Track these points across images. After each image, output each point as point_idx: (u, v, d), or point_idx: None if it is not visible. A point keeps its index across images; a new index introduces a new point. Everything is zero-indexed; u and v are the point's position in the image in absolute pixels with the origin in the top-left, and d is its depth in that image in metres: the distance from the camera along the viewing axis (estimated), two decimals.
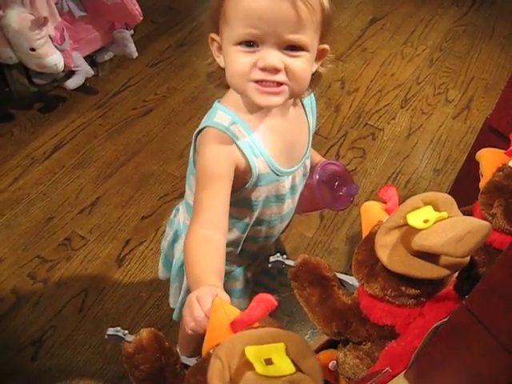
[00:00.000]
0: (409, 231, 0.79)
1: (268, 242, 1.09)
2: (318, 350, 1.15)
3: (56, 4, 1.82)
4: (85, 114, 2.12)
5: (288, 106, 0.92)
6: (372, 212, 0.89)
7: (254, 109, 0.88)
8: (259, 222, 1.00)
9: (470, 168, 1.18)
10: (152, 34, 2.53)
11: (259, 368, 0.57)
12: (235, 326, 0.63)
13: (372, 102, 2.31)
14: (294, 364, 0.59)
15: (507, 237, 1.00)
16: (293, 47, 0.79)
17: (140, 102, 2.16)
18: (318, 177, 1.02)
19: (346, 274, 1.00)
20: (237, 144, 0.85)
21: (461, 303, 0.71)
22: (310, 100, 1.00)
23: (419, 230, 0.78)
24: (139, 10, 1.97)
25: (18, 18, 1.68)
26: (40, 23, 1.70)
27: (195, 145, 0.90)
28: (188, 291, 1.14)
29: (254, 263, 1.14)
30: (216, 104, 0.89)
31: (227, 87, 0.91)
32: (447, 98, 2.37)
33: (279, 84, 0.80)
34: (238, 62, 0.80)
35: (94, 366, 1.43)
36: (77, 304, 1.55)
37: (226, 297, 0.69)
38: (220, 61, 0.85)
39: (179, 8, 2.75)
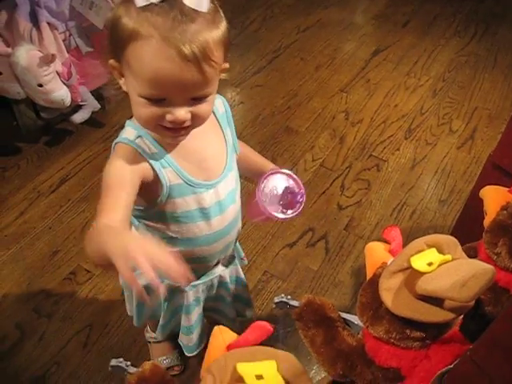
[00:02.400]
0: (413, 274, 0.79)
1: (208, 264, 1.09)
2: None
3: (64, 40, 1.85)
4: (91, 147, 2.14)
5: None
6: (376, 253, 0.89)
7: None
8: (189, 240, 1.00)
9: (475, 202, 1.18)
10: None
11: (250, 382, 0.57)
12: (231, 348, 0.64)
13: (376, 133, 2.32)
14: (286, 382, 0.59)
15: None
16: (199, 98, 0.82)
17: None
18: (261, 186, 1.02)
19: (350, 312, 1.00)
20: (143, 156, 0.88)
21: (466, 349, 0.70)
22: (225, 112, 1.02)
23: (423, 273, 0.78)
24: None
25: (26, 55, 1.70)
26: (48, 60, 1.72)
27: None
28: (138, 300, 1.16)
29: (204, 284, 1.14)
30: (126, 122, 0.92)
31: None
32: (451, 129, 2.37)
33: (185, 127, 0.84)
34: (144, 112, 0.82)
35: None
36: (81, 339, 1.54)
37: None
38: (122, 84, 0.85)
39: None
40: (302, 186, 1.05)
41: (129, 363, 0.82)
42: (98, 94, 2.12)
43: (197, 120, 0.84)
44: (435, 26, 3.08)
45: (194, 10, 0.74)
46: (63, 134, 2.19)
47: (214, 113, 0.98)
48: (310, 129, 2.31)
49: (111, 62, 0.83)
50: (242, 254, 1.28)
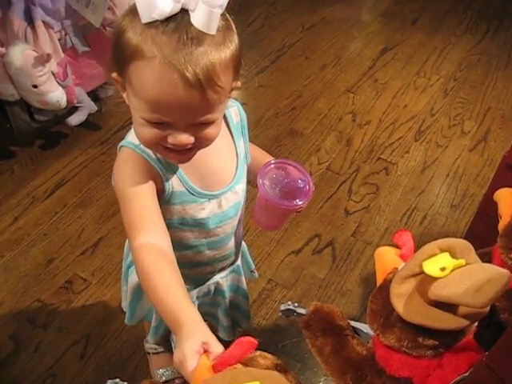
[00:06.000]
0: (425, 280, 0.80)
1: (202, 270, 1.10)
2: None
3: (59, 40, 1.87)
4: (87, 150, 2.15)
5: None
6: (386, 258, 0.90)
7: None
8: (182, 245, 1.00)
9: (489, 205, 1.18)
10: None
11: None
12: (216, 366, 0.65)
13: (385, 135, 2.33)
14: None
15: None
16: (204, 122, 0.81)
17: None
18: (262, 182, 0.99)
19: (359, 321, 1.01)
20: (149, 161, 0.88)
21: (481, 357, 0.71)
22: (239, 122, 1.01)
23: (436, 278, 0.79)
24: None
25: (20, 55, 1.72)
26: (43, 60, 1.74)
27: None
28: (134, 292, 1.17)
29: (197, 290, 1.15)
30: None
31: None
32: (463, 130, 2.39)
33: (189, 149, 0.83)
34: (145, 132, 0.81)
35: None
36: (78, 350, 1.55)
37: (213, 339, 0.69)
38: (125, 97, 0.85)
39: None
40: (306, 173, 1.02)
41: (125, 383, 0.83)
42: (94, 96, 2.14)
43: (202, 142, 0.84)
44: (445, 24, 3.10)
45: (201, 31, 0.73)
46: (58, 137, 2.20)
47: (227, 122, 0.98)
48: (315, 131, 2.32)
49: (114, 75, 0.84)
50: (253, 267, 1.29)
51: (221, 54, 0.76)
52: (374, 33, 2.99)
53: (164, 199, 0.92)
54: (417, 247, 0.92)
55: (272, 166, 1.01)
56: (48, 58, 1.75)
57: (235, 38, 0.80)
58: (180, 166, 0.92)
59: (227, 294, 1.21)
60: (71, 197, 1.98)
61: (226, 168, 0.99)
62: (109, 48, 2.09)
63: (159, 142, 0.82)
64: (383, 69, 2.72)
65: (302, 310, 0.94)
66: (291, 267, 1.79)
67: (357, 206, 2.01)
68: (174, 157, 0.86)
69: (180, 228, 0.98)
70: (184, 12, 0.73)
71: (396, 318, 0.83)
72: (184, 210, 0.95)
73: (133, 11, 0.76)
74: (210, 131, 0.82)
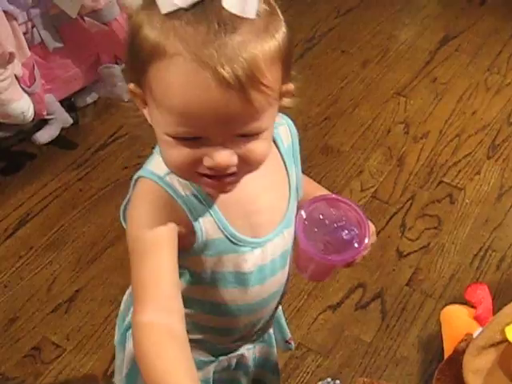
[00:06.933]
0: (509, 350, 0.79)
1: (231, 338, 1.10)
2: None
3: (25, 34, 1.89)
4: (60, 175, 2.17)
5: None
6: (456, 321, 0.90)
7: None
8: (212, 305, 1.00)
9: None
10: None
11: None
12: None
13: (447, 151, 2.34)
14: None
15: None
16: (249, 135, 0.80)
17: (134, 159, 2.19)
18: (301, 224, 0.97)
19: None
20: (175, 199, 0.87)
21: None
22: (291, 145, 1.01)
23: None
24: None
25: None
26: (4, 60, 1.76)
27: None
28: (134, 361, 1.15)
29: (215, 364, 1.14)
30: (157, 147, 0.90)
31: None
32: None
33: (232, 173, 0.82)
34: (174, 155, 0.81)
35: None
36: None
37: None
38: (147, 114, 0.85)
39: None
40: (362, 217, 0.99)
41: None
42: (69, 105, 2.17)
43: (248, 164, 0.83)
44: None
45: (236, 16, 0.73)
46: (23, 158, 2.23)
47: (277, 145, 0.98)
48: (356, 147, 2.34)
49: (131, 86, 0.84)
50: (288, 336, 1.28)
51: (263, 44, 0.75)
52: (431, 17, 3.01)
53: (194, 250, 0.92)
54: (495, 301, 0.92)
55: (319, 202, 1.00)
56: (10, 57, 1.77)
57: (282, 26, 0.79)
58: (218, 204, 0.91)
59: (250, 370, 1.21)
60: (39, 236, 1.99)
61: (276, 207, 0.99)
62: (88, 43, 2.12)
63: (192, 167, 0.81)
64: (444, 64, 2.74)
65: None
66: (327, 327, 1.79)
67: (413, 246, 2.01)
68: (211, 184, 0.85)
69: (212, 285, 0.97)
70: None
71: None
72: (220, 261, 0.95)
73: (148, 2, 0.77)
74: (257, 147, 0.81)
